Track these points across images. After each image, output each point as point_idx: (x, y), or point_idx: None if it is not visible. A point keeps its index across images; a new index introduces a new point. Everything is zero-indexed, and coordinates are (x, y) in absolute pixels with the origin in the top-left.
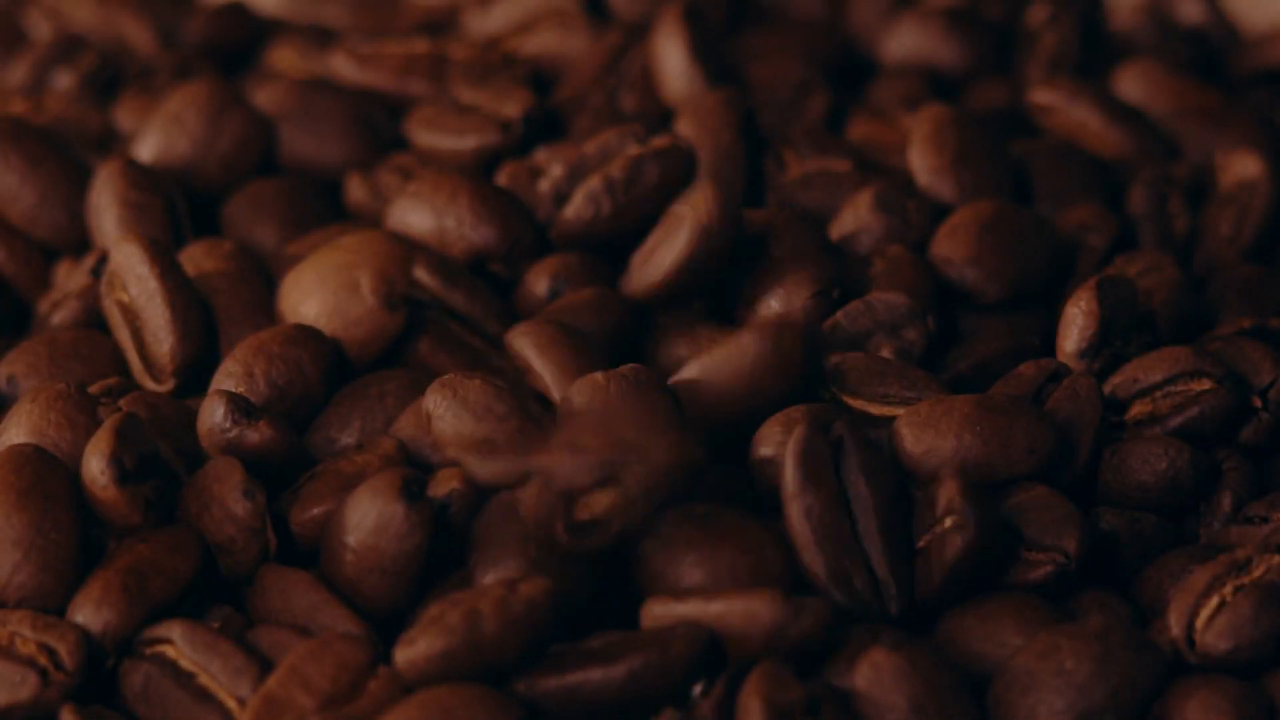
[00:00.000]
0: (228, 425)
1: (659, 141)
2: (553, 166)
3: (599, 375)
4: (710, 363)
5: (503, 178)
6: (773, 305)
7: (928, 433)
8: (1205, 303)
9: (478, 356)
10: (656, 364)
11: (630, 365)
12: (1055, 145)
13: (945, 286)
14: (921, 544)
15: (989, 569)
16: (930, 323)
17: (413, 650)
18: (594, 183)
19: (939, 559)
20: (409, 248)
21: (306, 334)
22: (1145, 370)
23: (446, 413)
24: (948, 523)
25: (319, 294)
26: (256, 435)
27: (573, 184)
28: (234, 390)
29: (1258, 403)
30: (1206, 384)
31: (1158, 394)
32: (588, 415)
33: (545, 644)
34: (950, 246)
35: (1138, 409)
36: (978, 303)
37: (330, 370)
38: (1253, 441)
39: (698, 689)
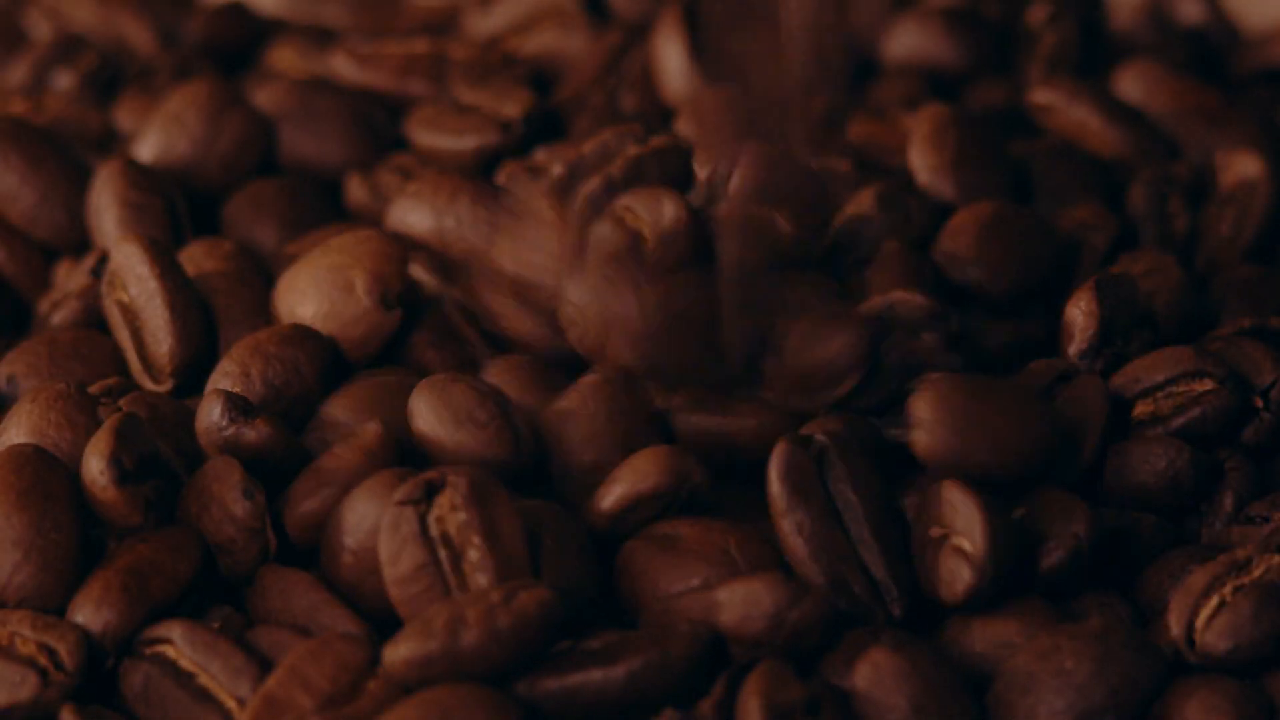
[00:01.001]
0: (224, 424)
1: (658, 141)
2: (552, 168)
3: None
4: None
5: (502, 178)
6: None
7: (936, 432)
8: (1206, 302)
9: (473, 359)
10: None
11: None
12: (1055, 145)
13: (949, 286)
14: (924, 548)
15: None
16: (954, 323)
17: (395, 652)
18: (594, 184)
19: (950, 592)
20: (402, 245)
21: (303, 334)
22: (1147, 370)
23: (429, 413)
24: (965, 546)
25: (314, 296)
26: (254, 434)
27: (572, 186)
28: (230, 390)
29: (1259, 403)
30: (1208, 384)
31: (1159, 394)
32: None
33: (539, 652)
34: (953, 245)
35: (1140, 409)
36: (982, 299)
37: (326, 370)
38: (1254, 441)
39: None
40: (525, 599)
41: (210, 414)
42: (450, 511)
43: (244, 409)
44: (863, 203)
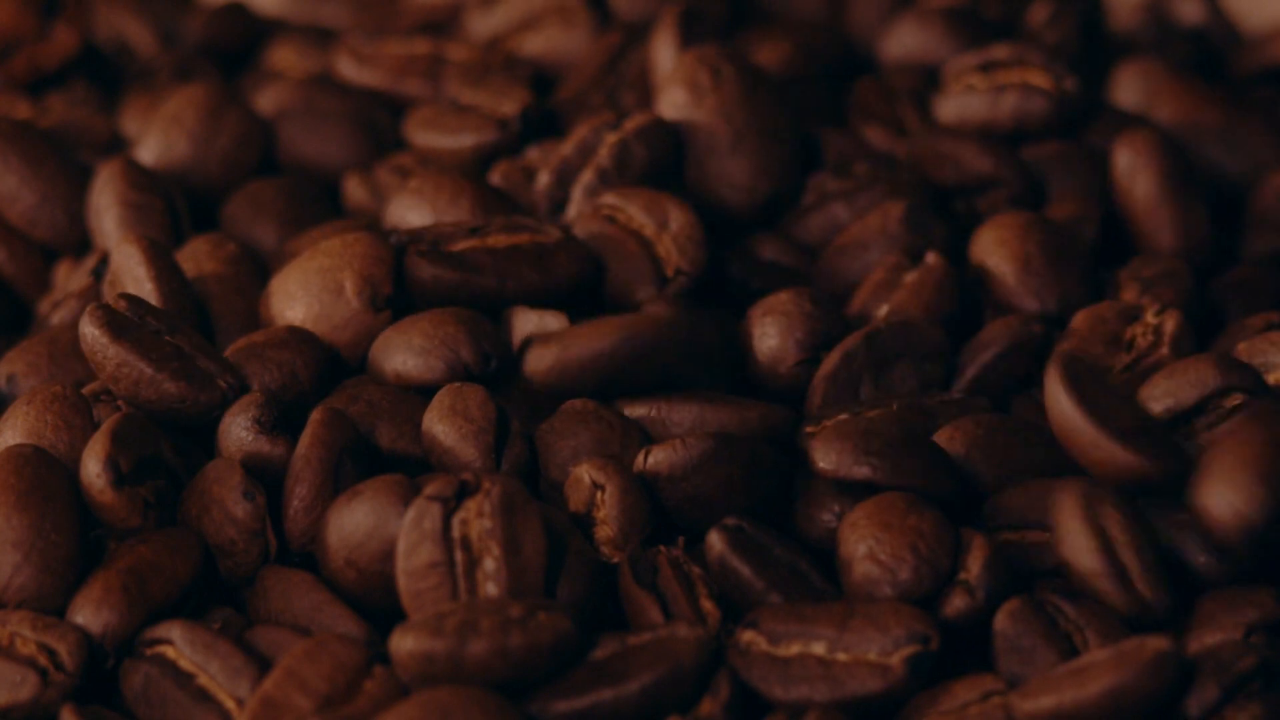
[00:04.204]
0: (252, 427)
1: (633, 122)
2: (540, 175)
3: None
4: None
5: (496, 176)
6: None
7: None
8: (1206, 303)
9: None
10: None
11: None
12: (1056, 145)
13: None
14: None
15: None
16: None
17: (401, 641)
18: (587, 177)
19: (942, 610)
20: (391, 247)
21: (299, 337)
22: (1174, 394)
23: (433, 409)
24: (973, 573)
25: (304, 299)
26: (270, 448)
27: (565, 186)
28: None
29: None
30: (1238, 399)
31: (1198, 422)
32: None
33: (544, 677)
34: (997, 264)
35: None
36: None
37: (322, 373)
38: None
39: None
40: (543, 622)
41: (244, 413)
42: (476, 517)
43: (275, 422)
44: (890, 215)
